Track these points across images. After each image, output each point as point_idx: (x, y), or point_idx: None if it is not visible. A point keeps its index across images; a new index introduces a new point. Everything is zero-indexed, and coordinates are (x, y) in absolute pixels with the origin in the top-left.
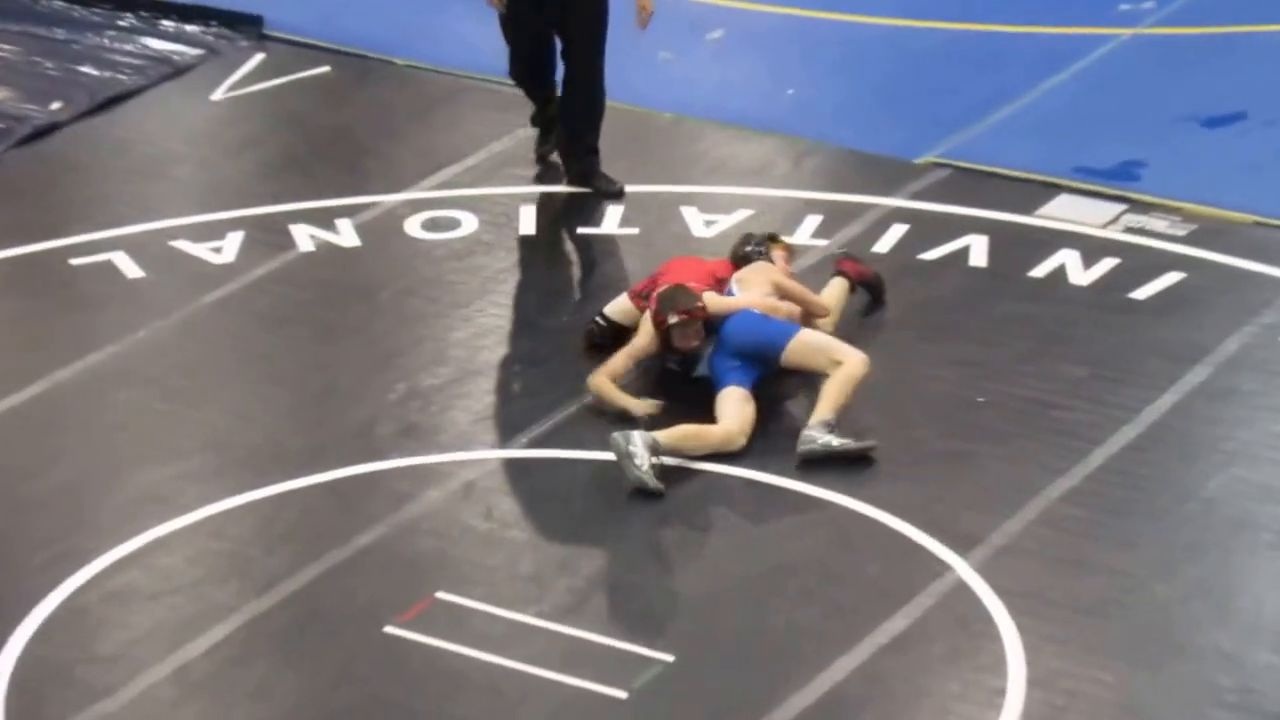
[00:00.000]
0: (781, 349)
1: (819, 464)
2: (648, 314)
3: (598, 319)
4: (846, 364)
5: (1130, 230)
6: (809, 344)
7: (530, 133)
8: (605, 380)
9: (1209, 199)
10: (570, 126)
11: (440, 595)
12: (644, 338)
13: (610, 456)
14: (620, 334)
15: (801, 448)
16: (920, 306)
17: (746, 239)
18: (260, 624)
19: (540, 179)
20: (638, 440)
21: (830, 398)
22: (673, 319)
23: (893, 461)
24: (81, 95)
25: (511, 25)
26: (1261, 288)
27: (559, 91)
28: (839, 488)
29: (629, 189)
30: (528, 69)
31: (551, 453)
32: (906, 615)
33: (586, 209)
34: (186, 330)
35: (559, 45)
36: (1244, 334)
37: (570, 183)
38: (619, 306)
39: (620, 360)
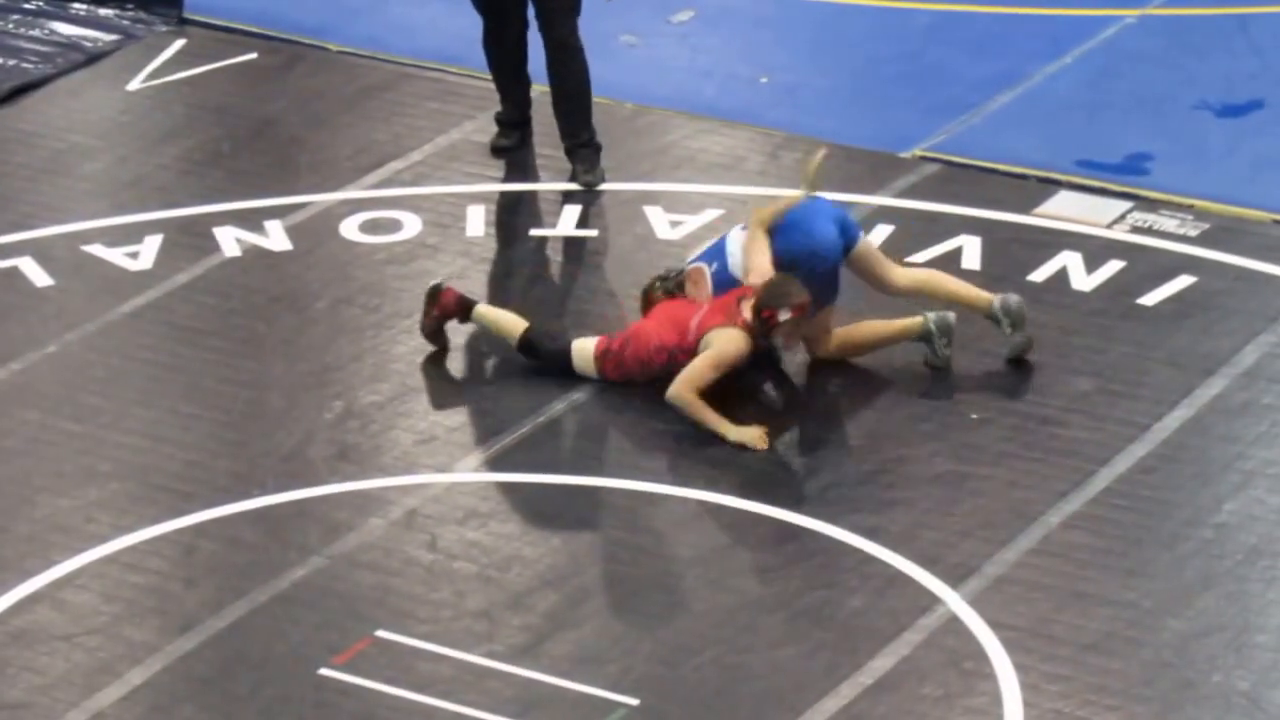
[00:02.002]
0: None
1: (797, 488)
2: (722, 330)
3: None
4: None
5: (1137, 230)
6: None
7: (478, 125)
8: (694, 395)
9: (1223, 196)
10: (563, 105)
11: (380, 634)
12: (732, 345)
13: (574, 480)
14: None
15: (1020, 339)
16: (909, 314)
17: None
18: (182, 666)
19: (490, 176)
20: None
21: (963, 285)
22: (784, 315)
23: (878, 485)
24: None
25: None
26: None
27: (530, 86)
28: (819, 515)
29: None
30: (499, 43)
31: (502, 476)
32: (893, 653)
33: (540, 209)
34: (100, 343)
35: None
36: (1262, 343)
37: (566, 153)
38: (583, 355)
39: (705, 371)
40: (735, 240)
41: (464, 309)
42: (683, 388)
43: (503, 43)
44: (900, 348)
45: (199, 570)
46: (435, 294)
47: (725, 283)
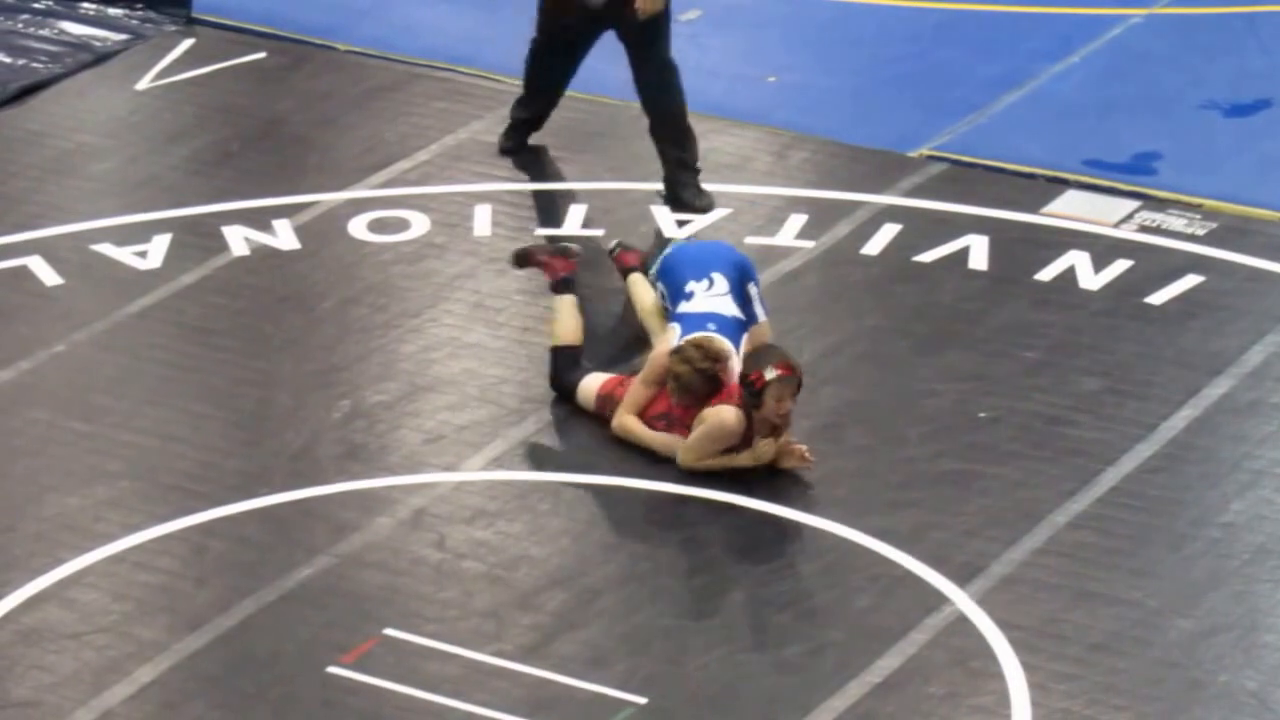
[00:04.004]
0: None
1: (805, 488)
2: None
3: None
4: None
5: (1145, 229)
6: None
7: (485, 125)
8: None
9: (1231, 195)
10: (671, 125)
11: (388, 633)
12: (719, 418)
13: (581, 479)
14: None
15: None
16: (915, 314)
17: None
18: (191, 665)
19: (497, 176)
20: None
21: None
22: (770, 373)
23: (886, 485)
24: None
25: (559, 12)
26: None
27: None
28: (826, 514)
29: (594, 186)
30: (548, 63)
31: (510, 475)
32: (901, 652)
33: (547, 208)
34: (109, 343)
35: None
36: (1269, 343)
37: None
38: (586, 392)
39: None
40: (705, 302)
41: (559, 287)
42: (686, 460)
43: (553, 65)
44: (911, 350)
45: (208, 569)
46: (561, 253)
47: (732, 330)
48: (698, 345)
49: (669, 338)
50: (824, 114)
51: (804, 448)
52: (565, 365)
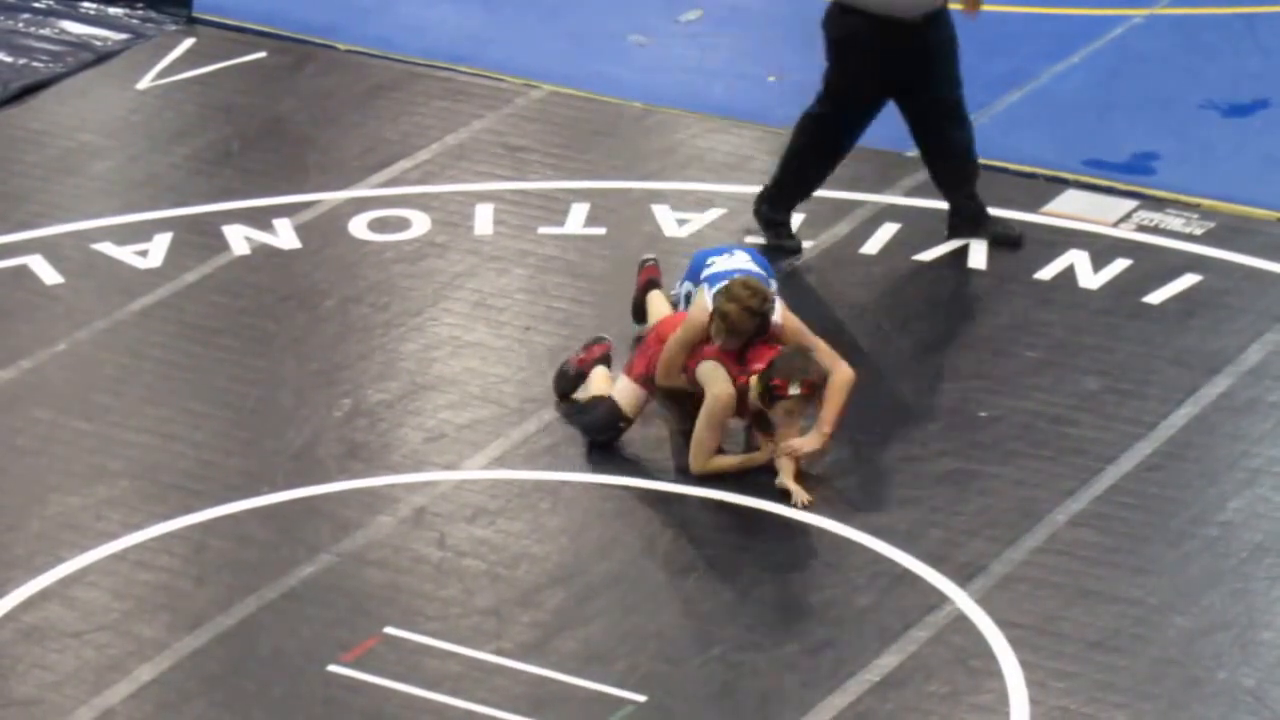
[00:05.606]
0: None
1: (811, 485)
2: (716, 370)
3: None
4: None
5: (1144, 229)
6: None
7: (487, 124)
8: (711, 461)
9: (1229, 194)
10: (954, 164)
11: (389, 631)
12: (716, 391)
13: (582, 478)
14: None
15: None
16: (915, 313)
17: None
18: (192, 664)
19: (498, 175)
20: None
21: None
22: (794, 390)
23: (887, 483)
24: None
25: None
26: None
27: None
28: (827, 513)
29: (596, 185)
30: (831, 132)
31: (511, 474)
32: (901, 650)
33: (548, 208)
34: (110, 342)
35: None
36: (1267, 341)
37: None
38: (625, 394)
39: (706, 438)
40: (726, 264)
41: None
42: (698, 463)
43: (838, 135)
44: (911, 349)
45: (209, 568)
46: (595, 341)
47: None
48: (745, 284)
49: (698, 301)
50: None
51: (806, 496)
52: (583, 412)
